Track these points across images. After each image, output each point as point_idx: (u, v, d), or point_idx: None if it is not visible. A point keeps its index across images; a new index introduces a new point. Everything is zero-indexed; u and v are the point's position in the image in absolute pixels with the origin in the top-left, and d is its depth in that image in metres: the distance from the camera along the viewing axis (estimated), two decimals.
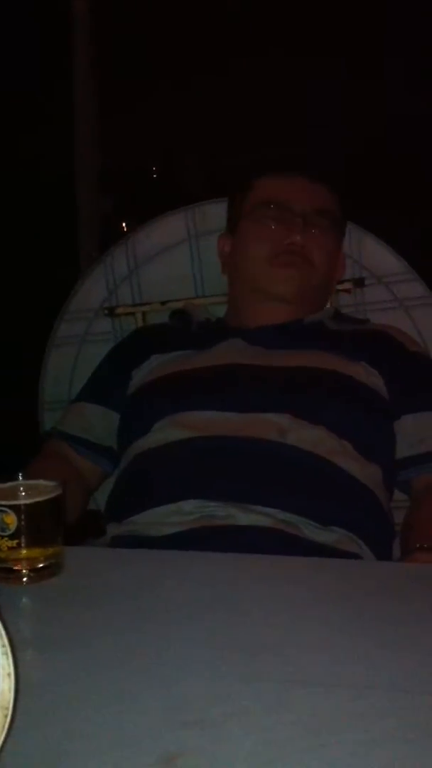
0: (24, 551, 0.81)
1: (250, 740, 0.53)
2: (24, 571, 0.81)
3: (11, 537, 0.81)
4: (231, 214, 1.46)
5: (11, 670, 0.50)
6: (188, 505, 1.07)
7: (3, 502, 0.81)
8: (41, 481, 0.86)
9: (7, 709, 0.49)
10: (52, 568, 0.82)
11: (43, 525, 0.83)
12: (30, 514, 0.81)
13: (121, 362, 1.39)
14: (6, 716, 0.49)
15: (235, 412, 1.16)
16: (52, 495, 0.84)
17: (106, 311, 1.59)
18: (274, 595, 0.76)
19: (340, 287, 1.53)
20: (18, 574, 0.81)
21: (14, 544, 0.81)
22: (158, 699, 0.58)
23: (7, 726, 0.49)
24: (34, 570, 0.81)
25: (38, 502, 0.82)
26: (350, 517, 1.10)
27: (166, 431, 1.18)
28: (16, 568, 0.81)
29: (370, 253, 1.55)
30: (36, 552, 0.82)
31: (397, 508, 1.25)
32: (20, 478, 0.87)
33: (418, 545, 1.02)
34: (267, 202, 1.37)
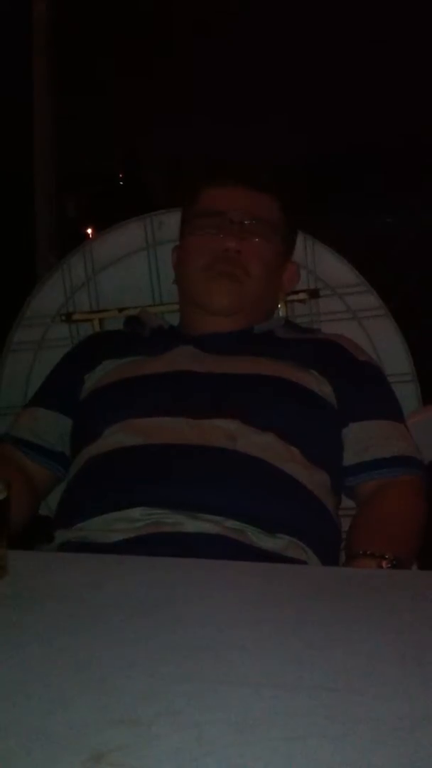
0: None
1: (179, 738, 0.54)
2: None
3: None
4: (181, 226, 1.49)
5: None
6: (136, 512, 1.08)
7: None
8: None
9: None
10: None
11: None
12: None
13: (73, 367, 1.40)
14: None
15: (185, 418, 1.18)
16: None
17: (63, 317, 1.60)
18: (213, 598, 0.77)
19: (295, 298, 1.56)
20: None
21: None
22: (89, 698, 0.59)
23: None
24: None
25: None
26: (297, 523, 1.12)
27: (117, 436, 1.19)
28: None
29: (325, 264, 1.58)
30: None
31: (346, 516, 1.27)
32: None
33: (361, 551, 1.05)
34: (204, 213, 1.40)
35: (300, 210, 1.55)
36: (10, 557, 0.84)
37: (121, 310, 1.57)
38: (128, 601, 0.77)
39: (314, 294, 1.56)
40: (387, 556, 1.02)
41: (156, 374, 1.27)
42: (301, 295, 1.56)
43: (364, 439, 1.25)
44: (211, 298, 1.34)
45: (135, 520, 1.07)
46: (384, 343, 1.54)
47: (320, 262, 1.58)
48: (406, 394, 1.48)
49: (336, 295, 1.57)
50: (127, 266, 1.61)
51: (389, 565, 1.02)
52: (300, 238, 1.57)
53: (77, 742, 0.54)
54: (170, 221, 1.58)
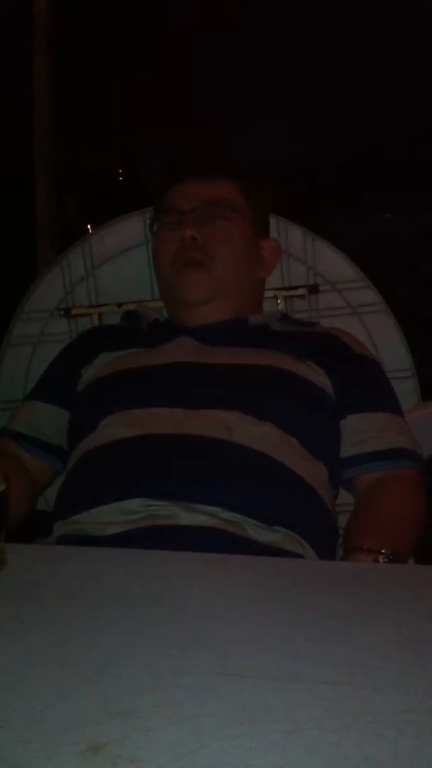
0: None
1: (176, 730, 0.54)
2: None
3: None
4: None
5: None
6: (132, 504, 1.08)
7: None
8: None
9: None
10: None
11: None
12: None
13: (71, 360, 1.40)
14: None
15: (182, 409, 1.18)
16: None
17: (62, 312, 1.60)
18: (210, 591, 0.77)
19: (294, 293, 1.56)
20: None
21: None
22: (87, 690, 0.59)
23: None
24: None
25: None
26: (294, 517, 1.11)
27: (113, 428, 1.19)
28: None
29: (324, 260, 1.58)
30: None
31: (343, 512, 1.27)
32: None
33: (358, 546, 1.04)
34: (161, 213, 1.42)
35: (299, 209, 1.55)
36: (8, 550, 0.84)
37: (120, 305, 1.57)
38: (125, 594, 0.76)
39: (314, 290, 1.56)
40: (384, 551, 1.02)
41: (153, 366, 1.27)
42: (300, 291, 1.56)
43: (362, 431, 1.24)
44: (183, 289, 1.35)
45: (132, 512, 1.07)
46: (383, 339, 1.54)
47: (319, 258, 1.57)
48: (406, 389, 1.48)
49: (335, 291, 1.57)
50: (127, 261, 1.61)
51: (386, 560, 1.01)
52: (299, 234, 1.57)
53: (75, 734, 0.54)
54: None
